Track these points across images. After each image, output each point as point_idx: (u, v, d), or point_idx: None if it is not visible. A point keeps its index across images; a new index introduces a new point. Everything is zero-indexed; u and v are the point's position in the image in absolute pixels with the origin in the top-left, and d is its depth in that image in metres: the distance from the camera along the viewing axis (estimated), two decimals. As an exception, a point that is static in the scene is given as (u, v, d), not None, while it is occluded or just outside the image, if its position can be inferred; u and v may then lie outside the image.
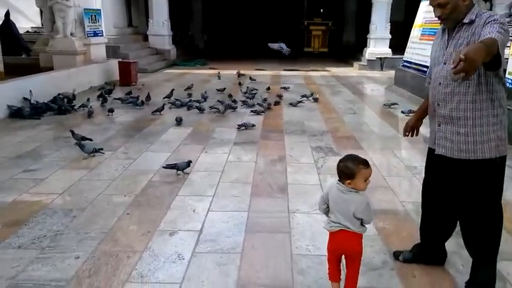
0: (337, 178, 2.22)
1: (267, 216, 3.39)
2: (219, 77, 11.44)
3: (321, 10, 20.75)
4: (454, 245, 2.82)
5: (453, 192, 2.44)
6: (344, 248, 2.22)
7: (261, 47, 20.12)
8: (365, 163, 2.17)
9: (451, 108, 2.26)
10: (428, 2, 7.75)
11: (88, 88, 9.15)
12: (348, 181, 2.15)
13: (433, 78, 2.38)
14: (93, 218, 3.32)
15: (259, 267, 2.69)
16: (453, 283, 2.55)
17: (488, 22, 2.10)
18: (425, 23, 9.71)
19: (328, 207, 2.26)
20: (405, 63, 10.37)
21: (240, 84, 10.10)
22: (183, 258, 2.76)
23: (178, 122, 6.22)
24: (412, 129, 2.76)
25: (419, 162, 4.74)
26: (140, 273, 2.60)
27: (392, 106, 7.64)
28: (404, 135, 2.82)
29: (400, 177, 4.32)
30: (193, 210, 3.45)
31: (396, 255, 2.79)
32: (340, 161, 2.22)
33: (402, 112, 7.05)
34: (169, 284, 2.51)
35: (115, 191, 3.86)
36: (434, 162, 2.48)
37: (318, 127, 6.30)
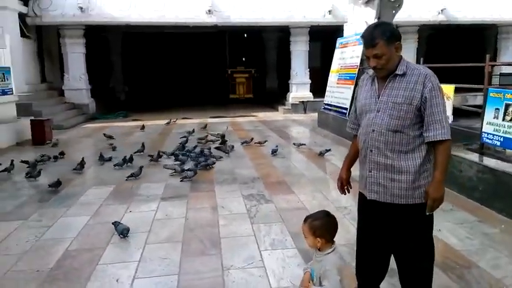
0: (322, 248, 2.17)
1: (200, 278, 3.17)
2: (142, 128, 11.11)
3: (243, 59, 21.51)
4: (388, 285, 2.81)
5: (387, 234, 2.45)
6: None
7: (185, 96, 20.40)
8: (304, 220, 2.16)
9: (386, 156, 2.32)
10: (340, 50, 8.33)
11: (-4, 150, 8.36)
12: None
13: (365, 124, 2.42)
14: (-2, 302, 2.87)
15: (194, 337, 2.45)
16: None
17: (431, 89, 2.24)
18: (340, 69, 10.40)
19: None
20: (326, 106, 10.91)
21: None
22: None
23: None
24: (346, 182, 2.71)
25: (349, 202, 4.85)
26: None
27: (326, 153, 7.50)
28: (342, 192, 2.74)
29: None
30: (117, 280, 3.13)
31: None
32: None
33: (320, 154, 7.35)
34: None
35: (26, 266, 3.40)
36: (366, 206, 2.49)
37: (249, 174, 6.25)
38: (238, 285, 3.03)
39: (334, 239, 2.20)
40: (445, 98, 2.24)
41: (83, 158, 6.75)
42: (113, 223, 4.01)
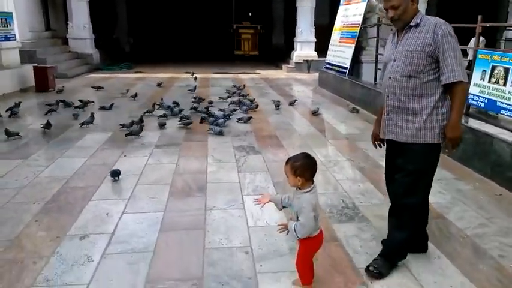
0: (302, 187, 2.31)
1: (183, 215, 3.42)
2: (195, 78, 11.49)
3: (250, 14, 21.13)
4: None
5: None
6: (322, 238, 2.44)
7: (190, 51, 20.27)
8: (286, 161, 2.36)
9: (401, 100, 2.54)
10: (344, 7, 8.28)
11: (0, 95, 8.57)
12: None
13: (385, 74, 2.68)
14: (-2, 227, 3.15)
15: (171, 263, 2.73)
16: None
17: (442, 36, 2.40)
18: (343, 27, 10.28)
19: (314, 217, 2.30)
20: (327, 65, 10.89)
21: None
22: (92, 260, 2.72)
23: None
24: (377, 138, 2.86)
25: (334, 157, 5.05)
26: (46, 277, 2.55)
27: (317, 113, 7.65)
28: (376, 146, 2.91)
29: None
30: (106, 214, 3.39)
31: (384, 243, 2.90)
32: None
33: (314, 112, 7.50)
34: (76, 286, 2.48)
35: (24, 198, 3.68)
36: (388, 150, 2.76)
37: (243, 127, 6.42)
38: (217, 223, 3.29)
39: (314, 179, 2.35)
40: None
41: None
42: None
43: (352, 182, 4.23)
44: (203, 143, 5.53)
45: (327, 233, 2.97)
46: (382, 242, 2.97)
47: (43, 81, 9.19)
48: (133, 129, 5.77)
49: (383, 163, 4.72)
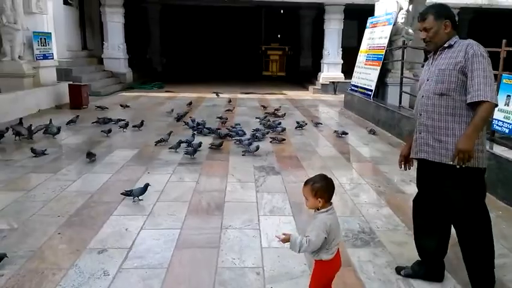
0: (319, 207, 2.29)
1: (199, 233, 3.49)
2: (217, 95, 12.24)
3: (278, 35, 21.47)
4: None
5: (440, 198, 2.65)
6: (340, 264, 2.38)
7: (219, 71, 20.71)
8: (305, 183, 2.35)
9: (433, 118, 2.57)
10: (370, 30, 8.33)
11: (37, 111, 9.02)
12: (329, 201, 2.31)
13: (419, 93, 2.74)
14: (23, 238, 3.31)
15: (183, 280, 2.79)
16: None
17: (472, 55, 2.45)
18: (369, 49, 10.31)
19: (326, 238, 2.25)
20: (352, 87, 10.89)
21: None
22: (108, 274, 2.81)
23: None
24: (405, 158, 2.87)
25: (355, 180, 5.03)
26: (63, 288, 2.65)
27: (343, 135, 7.57)
28: (400, 167, 2.91)
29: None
30: (126, 229, 3.51)
31: (398, 270, 2.93)
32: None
33: (336, 132, 7.48)
34: (91, 299, 2.56)
35: (49, 211, 3.85)
36: (420, 170, 2.76)
37: (265, 148, 6.47)
38: (232, 242, 3.33)
39: (332, 201, 2.33)
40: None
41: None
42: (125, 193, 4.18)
43: (371, 206, 4.20)
44: (224, 162, 5.62)
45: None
46: (397, 268, 2.94)
47: (77, 98, 9.62)
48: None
49: (404, 188, 4.72)
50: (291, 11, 19.61)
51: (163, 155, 5.89)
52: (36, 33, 9.44)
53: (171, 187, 4.58)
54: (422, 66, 10.78)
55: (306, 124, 8.25)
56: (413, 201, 2.89)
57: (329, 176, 2.38)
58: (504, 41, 4.55)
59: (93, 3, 15.17)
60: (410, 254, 3.10)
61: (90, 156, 5.45)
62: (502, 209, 4.16)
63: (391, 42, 9.37)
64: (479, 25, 17.80)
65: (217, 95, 12.55)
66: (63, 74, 11.36)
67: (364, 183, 4.93)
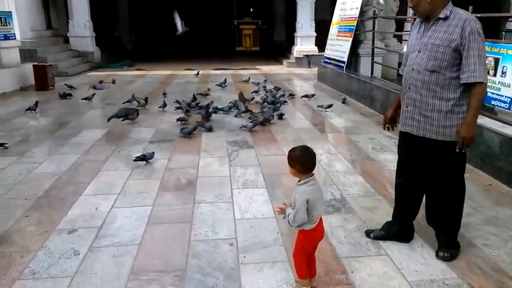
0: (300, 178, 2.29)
1: (171, 209, 3.47)
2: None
3: (251, 9, 21.09)
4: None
5: (420, 169, 2.70)
6: (322, 233, 2.41)
7: (191, 47, 20.28)
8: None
9: (421, 94, 2.54)
10: (342, 1, 8.25)
11: (0, 94, 8.67)
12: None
13: (408, 63, 2.66)
14: (-11, 223, 3.22)
15: (155, 255, 2.77)
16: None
17: (469, 33, 2.38)
18: (341, 21, 10.25)
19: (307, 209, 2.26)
20: (326, 60, 10.86)
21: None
22: (79, 254, 2.77)
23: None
24: (390, 120, 2.90)
25: (326, 151, 5.07)
26: (33, 270, 2.60)
27: (311, 98, 8.18)
28: (384, 128, 2.95)
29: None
30: (96, 208, 3.45)
31: (368, 233, 2.99)
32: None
33: (320, 107, 7.41)
34: (61, 278, 2.52)
35: (16, 194, 3.74)
36: (403, 141, 2.77)
37: (237, 122, 6.43)
38: (205, 216, 3.33)
39: (313, 173, 2.31)
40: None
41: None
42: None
43: (343, 175, 4.25)
44: (197, 139, 5.56)
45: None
46: (366, 232, 3.01)
47: (43, 79, 9.27)
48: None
49: (374, 156, 4.80)
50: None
51: (134, 134, 5.77)
52: (-5, 12, 8.98)
53: (141, 165, 4.51)
54: (394, 36, 10.79)
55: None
56: (397, 167, 2.93)
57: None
58: (470, 7, 4.56)
59: (55, -21, 14.51)
60: (380, 218, 3.18)
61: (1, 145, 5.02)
62: (468, 171, 4.23)
63: (362, 12, 9.32)
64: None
65: (197, 74, 12.15)
66: (27, 54, 10.91)
67: (336, 153, 4.97)
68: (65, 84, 9.37)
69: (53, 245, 2.88)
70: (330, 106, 7.26)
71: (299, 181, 2.30)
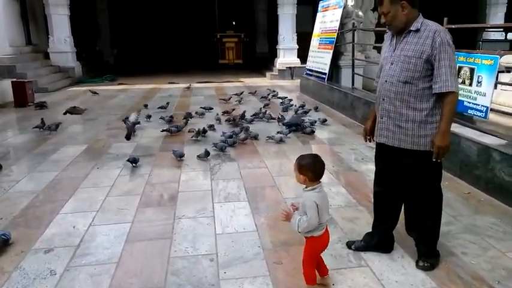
0: (307, 185, 2.40)
1: (151, 225, 3.41)
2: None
3: (233, 23, 21.25)
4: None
5: (396, 180, 2.73)
6: (328, 239, 2.48)
7: (174, 61, 20.27)
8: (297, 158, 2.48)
9: (395, 105, 2.58)
10: (322, 13, 8.36)
11: (-22, 111, 8.51)
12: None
13: (382, 75, 2.71)
14: (-39, 245, 3.11)
15: (134, 273, 2.72)
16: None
17: (440, 44, 2.42)
18: (321, 33, 10.39)
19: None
20: (308, 72, 10.97)
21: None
22: (55, 274, 2.71)
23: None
24: (370, 132, 2.94)
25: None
26: (6, 293, 2.52)
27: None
28: (365, 140, 2.99)
29: (287, 177, 4.50)
30: (74, 227, 3.37)
31: (349, 245, 3.00)
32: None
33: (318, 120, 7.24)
34: (36, 301, 2.45)
35: (-9, 214, 3.65)
36: (379, 151, 2.81)
37: (219, 135, 6.39)
38: (185, 232, 3.28)
39: (320, 180, 2.42)
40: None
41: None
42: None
43: (325, 186, 4.24)
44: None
45: (292, 235, 3.01)
46: (348, 243, 3.01)
47: (22, 96, 9.12)
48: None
49: (356, 167, 4.82)
50: (245, -3, 19.45)
51: (114, 149, 5.70)
52: (-28, 28, 8.84)
53: (121, 181, 4.45)
54: (374, 48, 10.96)
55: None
56: (374, 177, 2.95)
57: (316, 158, 2.45)
58: (446, 19, 4.68)
59: (34, -5, 14.38)
60: (362, 229, 3.19)
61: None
62: (447, 180, 4.32)
63: (342, 25, 9.47)
64: (429, 6, 18.39)
65: (189, 88, 12.16)
66: (5, 71, 10.77)
67: (318, 164, 4.98)
68: (35, 103, 9.15)
69: (29, 265, 2.81)
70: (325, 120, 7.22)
71: (306, 187, 2.39)
